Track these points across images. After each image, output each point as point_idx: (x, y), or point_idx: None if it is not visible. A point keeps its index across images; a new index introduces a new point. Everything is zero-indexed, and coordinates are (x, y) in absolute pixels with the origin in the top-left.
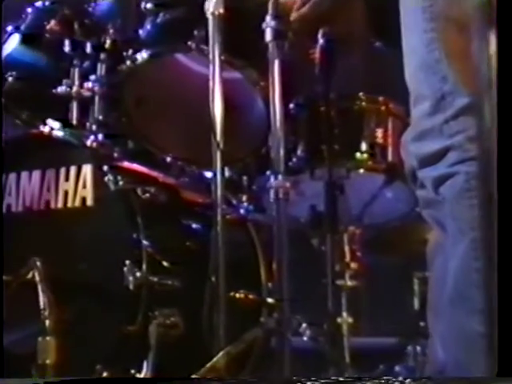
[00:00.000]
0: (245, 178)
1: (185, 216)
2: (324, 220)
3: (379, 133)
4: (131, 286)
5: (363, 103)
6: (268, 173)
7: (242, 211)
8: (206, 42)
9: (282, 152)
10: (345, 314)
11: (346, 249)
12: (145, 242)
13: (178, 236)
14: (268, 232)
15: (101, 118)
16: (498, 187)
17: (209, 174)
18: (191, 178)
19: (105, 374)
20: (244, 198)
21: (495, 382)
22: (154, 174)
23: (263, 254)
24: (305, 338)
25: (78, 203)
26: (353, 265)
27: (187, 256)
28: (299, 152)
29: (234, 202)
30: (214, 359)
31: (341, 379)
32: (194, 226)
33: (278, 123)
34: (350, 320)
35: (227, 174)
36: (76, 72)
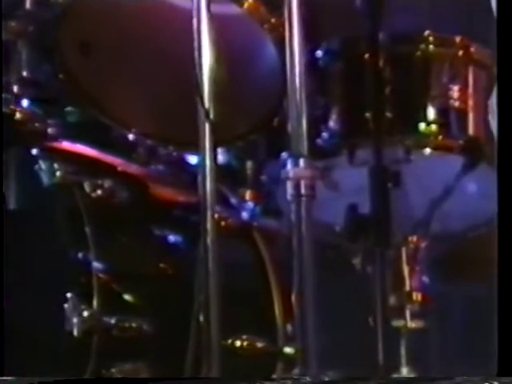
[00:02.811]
0: (248, 164)
1: (157, 223)
2: (370, 228)
3: (455, 91)
4: (76, 332)
5: (430, 46)
6: (283, 156)
7: (244, 214)
8: None
9: (304, 124)
10: (404, 370)
11: (406, 271)
12: (96, 264)
13: (146, 254)
14: (284, 246)
15: (26, 73)
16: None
17: (193, 160)
18: (167, 166)
19: None
20: (247, 194)
21: (495, 382)
22: (110, 159)
23: (277, 279)
24: None
25: None
26: (416, 295)
27: (161, 285)
28: (331, 123)
29: (233, 200)
30: None
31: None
32: (172, 237)
33: (297, 80)
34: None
35: (221, 158)
36: None
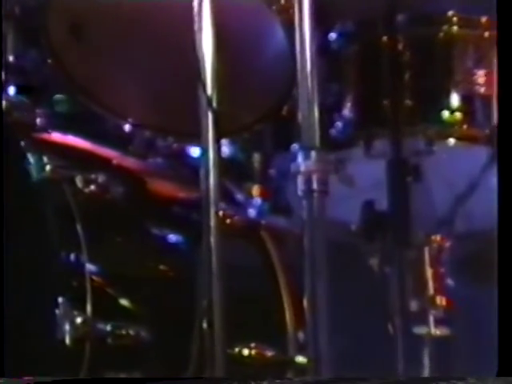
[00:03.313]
0: (255, 156)
1: (156, 221)
2: (389, 226)
3: (480, 76)
4: (68, 340)
5: (454, 28)
6: (293, 148)
7: (250, 212)
8: None
9: (316, 112)
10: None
11: (429, 273)
12: (89, 266)
13: (144, 255)
14: (295, 246)
15: (12, 59)
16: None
17: (195, 152)
18: (166, 159)
19: None
20: (254, 189)
21: (495, 382)
22: (104, 152)
23: (287, 282)
24: None
25: None
26: (440, 300)
27: (160, 288)
28: (346, 111)
29: (238, 196)
30: None
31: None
32: (172, 237)
33: (308, 65)
34: None
35: (226, 151)
36: None
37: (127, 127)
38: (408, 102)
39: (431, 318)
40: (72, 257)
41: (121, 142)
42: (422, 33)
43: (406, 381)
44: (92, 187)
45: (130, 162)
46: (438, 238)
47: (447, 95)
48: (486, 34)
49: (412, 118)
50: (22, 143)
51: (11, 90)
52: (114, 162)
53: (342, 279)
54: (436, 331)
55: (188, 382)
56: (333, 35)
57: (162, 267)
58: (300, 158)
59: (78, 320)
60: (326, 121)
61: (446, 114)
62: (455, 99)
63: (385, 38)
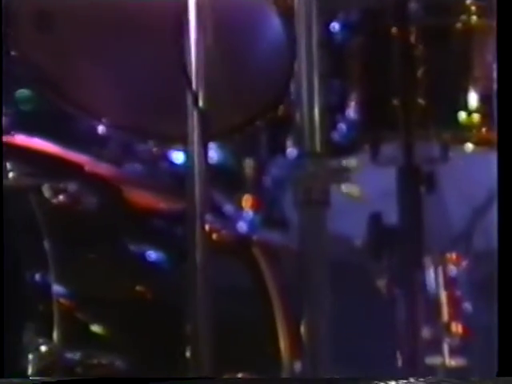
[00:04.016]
0: (247, 162)
1: (134, 236)
2: (398, 242)
3: None
4: (31, 371)
5: (472, 18)
6: (291, 153)
7: (241, 225)
8: None
9: (316, 113)
10: None
11: (443, 297)
12: (57, 288)
13: (120, 275)
14: (292, 265)
15: None
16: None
17: (179, 157)
18: (146, 165)
19: None
20: (246, 200)
21: (495, 382)
22: (75, 157)
23: (282, 306)
24: None
25: None
26: (455, 327)
27: (138, 312)
28: (350, 112)
29: (228, 208)
30: None
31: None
32: (152, 254)
33: (308, 59)
34: None
35: (213, 156)
36: None
37: (101, 129)
38: (420, 101)
39: (446, 347)
40: (37, 276)
41: (94, 145)
42: (436, 23)
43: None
44: (61, 197)
45: (104, 168)
46: (454, 256)
47: (464, 94)
48: None
49: (425, 119)
50: None
51: None
52: (86, 168)
53: (344, 303)
54: (451, 362)
55: (193, 382)
56: (336, 25)
57: (139, 288)
58: (298, 165)
59: (44, 348)
60: (328, 122)
61: (462, 115)
62: (473, 99)
63: (394, 29)
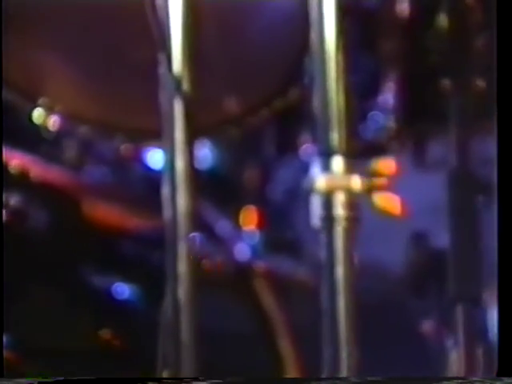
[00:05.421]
0: (246, 165)
1: (96, 264)
2: (448, 270)
3: None
4: None
5: None
6: (305, 152)
7: (239, 249)
8: None
9: (340, 100)
10: None
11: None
12: None
13: (78, 315)
14: (307, 303)
15: None
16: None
17: (155, 159)
18: (111, 169)
19: None
20: (245, 215)
21: (495, 382)
22: (17, 159)
23: (295, 356)
24: None
25: None
26: None
27: (102, 364)
28: (385, 98)
29: (221, 226)
30: None
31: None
32: (119, 287)
33: (329, 31)
34: None
35: (202, 156)
36: None
37: (53, 121)
38: (479, 82)
39: None
40: None
41: (44, 143)
42: None
43: (409, 380)
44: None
45: (56, 173)
46: None
47: None
48: None
49: (484, 107)
50: None
51: None
52: (33, 174)
53: (377, 350)
54: None
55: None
56: None
57: (104, 333)
58: (315, 168)
59: None
60: (355, 113)
61: None
62: None
63: None
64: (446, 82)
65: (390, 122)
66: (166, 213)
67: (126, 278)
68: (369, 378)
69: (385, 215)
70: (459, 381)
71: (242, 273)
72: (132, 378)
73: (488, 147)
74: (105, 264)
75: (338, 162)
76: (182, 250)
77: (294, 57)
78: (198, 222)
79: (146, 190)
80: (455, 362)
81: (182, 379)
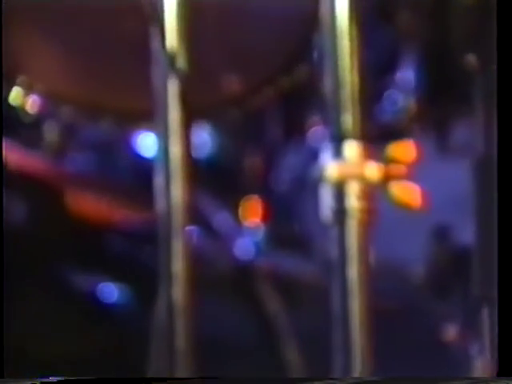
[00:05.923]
0: (249, 152)
1: (80, 262)
2: (475, 270)
3: None
4: None
5: None
6: (314, 136)
7: (241, 246)
8: None
9: (354, 78)
10: None
11: None
12: None
13: (60, 318)
14: (316, 305)
15: None
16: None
17: (147, 144)
18: (98, 156)
19: None
20: (247, 208)
21: (495, 382)
22: None
23: (304, 365)
24: None
25: None
26: None
27: (89, 373)
28: (404, 76)
29: (221, 219)
30: None
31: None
32: (106, 288)
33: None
34: None
35: (199, 141)
36: None
37: (32, 102)
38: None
39: None
40: None
41: (21, 127)
42: None
43: (408, 380)
44: None
45: (35, 161)
46: None
47: None
48: None
49: None
50: None
51: None
52: (9, 161)
53: (394, 359)
54: None
55: (190, 382)
56: None
57: (90, 338)
58: (326, 155)
59: None
60: (371, 92)
61: None
62: None
63: None
64: (470, 58)
65: (410, 103)
66: (159, 205)
67: (114, 278)
68: (367, 378)
69: (403, 207)
70: (461, 381)
71: (244, 272)
72: (135, 378)
73: None
74: (90, 262)
75: (351, 148)
76: (177, 247)
77: (301, 30)
78: (195, 215)
79: (137, 179)
80: (480, 370)
81: (186, 379)
